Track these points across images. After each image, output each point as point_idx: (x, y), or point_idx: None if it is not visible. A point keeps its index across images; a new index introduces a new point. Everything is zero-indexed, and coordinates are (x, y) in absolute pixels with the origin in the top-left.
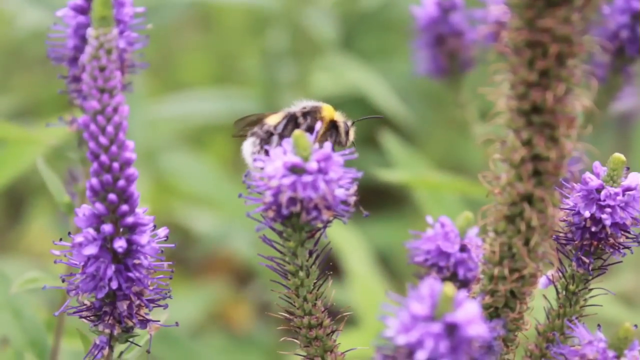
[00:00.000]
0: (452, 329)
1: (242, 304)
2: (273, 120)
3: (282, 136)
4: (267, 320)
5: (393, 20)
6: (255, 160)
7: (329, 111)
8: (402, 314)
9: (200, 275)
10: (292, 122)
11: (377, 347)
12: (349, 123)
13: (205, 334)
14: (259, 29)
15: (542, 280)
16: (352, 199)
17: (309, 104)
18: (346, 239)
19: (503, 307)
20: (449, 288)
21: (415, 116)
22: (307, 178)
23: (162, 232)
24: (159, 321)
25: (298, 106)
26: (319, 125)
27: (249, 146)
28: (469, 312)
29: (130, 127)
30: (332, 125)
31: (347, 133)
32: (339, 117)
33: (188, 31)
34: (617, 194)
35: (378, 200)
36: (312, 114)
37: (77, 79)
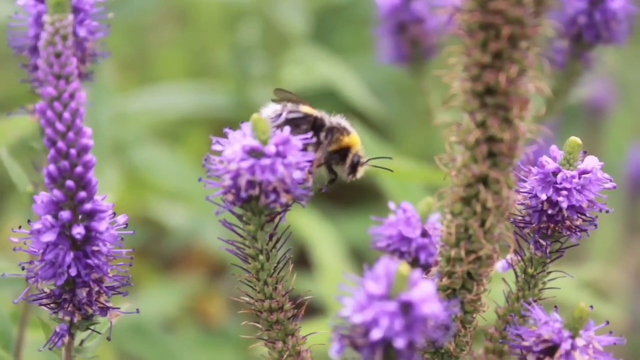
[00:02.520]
0: (407, 308)
1: (216, 297)
2: (304, 108)
3: (327, 132)
4: (241, 314)
5: (369, 14)
6: (213, 143)
7: (352, 139)
8: (358, 294)
9: (176, 269)
10: (319, 124)
11: (334, 326)
12: (362, 160)
13: (179, 328)
14: (233, 24)
15: (501, 263)
16: (310, 183)
17: (344, 123)
18: (319, 233)
19: (460, 288)
20: (404, 267)
21: (391, 111)
22: (265, 161)
23: (122, 219)
24: (119, 308)
25: (337, 119)
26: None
27: (270, 110)
28: (424, 291)
29: (99, 120)
30: (343, 152)
31: (352, 165)
32: (357, 150)
33: (164, 27)
34: (573, 177)
35: (355, 196)
36: (334, 130)
37: (38, 68)
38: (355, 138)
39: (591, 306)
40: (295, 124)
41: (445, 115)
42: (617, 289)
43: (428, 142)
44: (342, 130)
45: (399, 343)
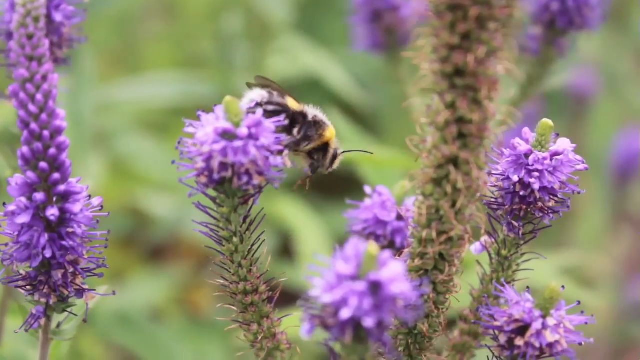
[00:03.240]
0: (376, 287)
1: (204, 288)
2: (290, 102)
3: (301, 126)
4: (227, 304)
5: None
6: (186, 126)
7: (330, 132)
8: (327, 274)
9: (163, 260)
10: (301, 117)
11: (304, 307)
12: (339, 152)
13: (167, 319)
14: (218, 14)
15: (475, 246)
16: (284, 164)
17: (321, 115)
18: (303, 223)
19: (432, 269)
20: (373, 247)
21: (377, 102)
22: (237, 143)
23: (96, 201)
24: (94, 290)
25: (314, 111)
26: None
27: (254, 94)
28: (392, 271)
29: (81, 110)
30: (324, 146)
31: (332, 159)
32: (334, 142)
33: (152, 19)
34: (545, 159)
35: (339, 186)
36: (317, 125)
37: None
38: (332, 130)
39: (563, 286)
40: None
41: (419, 101)
42: (603, 277)
43: (414, 132)
44: (323, 125)
45: (368, 322)
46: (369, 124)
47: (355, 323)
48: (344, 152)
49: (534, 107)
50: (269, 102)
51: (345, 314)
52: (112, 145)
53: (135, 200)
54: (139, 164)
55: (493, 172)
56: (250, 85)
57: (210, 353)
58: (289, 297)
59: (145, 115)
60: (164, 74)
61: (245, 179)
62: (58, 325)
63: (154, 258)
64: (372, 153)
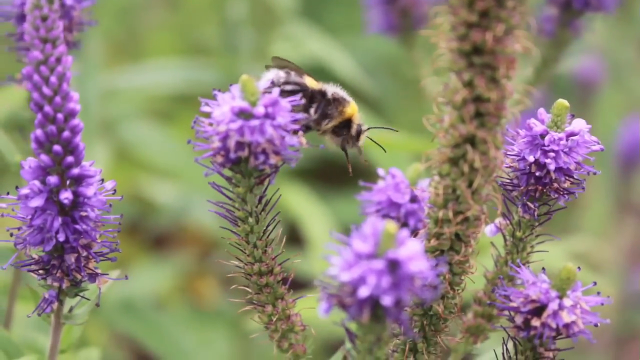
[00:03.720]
0: (394, 266)
1: (209, 276)
2: (308, 81)
3: (318, 104)
4: (233, 293)
5: None
6: (202, 105)
7: (352, 108)
8: (345, 252)
9: (167, 248)
10: (319, 96)
11: (322, 285)
12: (364, 127)
13: (171, 307)
14: (222, 1)
15: (490, 227)
16: (301, 143)
17: (341, 92)
18: (309, 211)
19: (448, 250)
20: (391, 226)
21: (384, 90)
22: (254, 122)
23: (109, 184)
24: (107, 274)
25: (333, 89)
26: (295, 98)
27: (272, 75)
28: (411, 249)
29: (86, 97)
30: (346, 123)
31: (357, 134)
32: (357, 118)
33: (156, 8)
34: (560, 139)
35: (345, 174)
36: (336, 102)
37: (24, 37)
38: (354, 106)
39: (579, 267)
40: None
41: (434, 84)
42: (608, 265)
43: (421, 119)
44: (343, 102)
45: (386, 301)
46: (375, 111)
47: (373, 302)
48: (369, 128)
49: (540, 93)
50: (286, 82)
51: (363, 292)
52: (116, 132)
53: (139, 188)
54: (144, 151)
55: (508, 152)
56: (267, 67)
57: (214, 341)
58: (298, 284)
59: (150, 102)
60: (168, 62)
61: (262, 158)
62: (70, 310)
63: (158, 246)
64: (397, 130)
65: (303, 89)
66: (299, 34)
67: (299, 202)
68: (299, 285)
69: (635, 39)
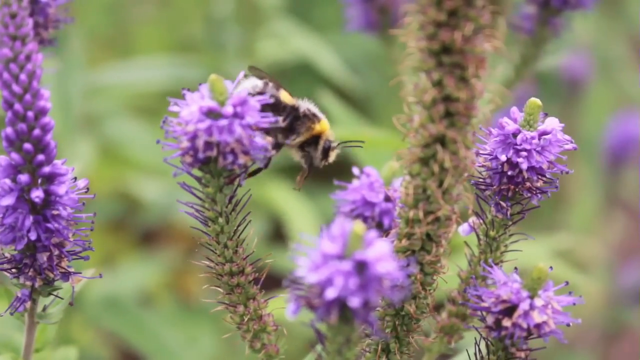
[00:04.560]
0: (362, 267)
1: (195, 273)
2: (283, 95)
3: (285, 115)
4: (218, 289)
5: None
6: (171, 105)
7: (322, 126)
8: (313, 253)
9: (154, 245)
10: (291, 110)
11: (290, 287)
12: (334, 144)
13: (157, 304)
14: None
15: (463, 227)
16: (269, 144)
17: (314, 109)
18: (294, 208)
19: (420, 250)
20: (359, 227)
21: (372, 88)
22: (223, 122)
23: (82, 183)
24: (80, 273)
25: (307, 105)
26: (265, 97)
27: (248, 84)
28: (379, 250)
29: (70, 94)
30: (314, 139)
31: (324, 151)
32: (327, 135)
33: (144, 4)
34: (533, 138)
35: (331, 171)
36: (306, 119)
37: None
38: (325, 124)
39: (551, 267)
40: (271, 110)
41: (410, 80)
42: (596, 262)
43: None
44: (313, 118)
45: (354, 302)
46: (361, 108)
47: (341, 303)
48: (339, 144)
49: (527, 90)
50: (261, 93)
51: (330, 293)
52: (102, 129)
53: (125, 185)
54: (130, 148)
55: (481, 152)
56: (247, 76)
57: (200, 338)
58: (280, 282)
59: (136, 99)
60: (155, 58)
61: (230, 158)
62: (44, 309)
63: (145, 243)
64: (363, 142)
65: (277, 102)
66: (285, 31)
67: (284, 198)
68: (281, 282)
69: (624, 34)
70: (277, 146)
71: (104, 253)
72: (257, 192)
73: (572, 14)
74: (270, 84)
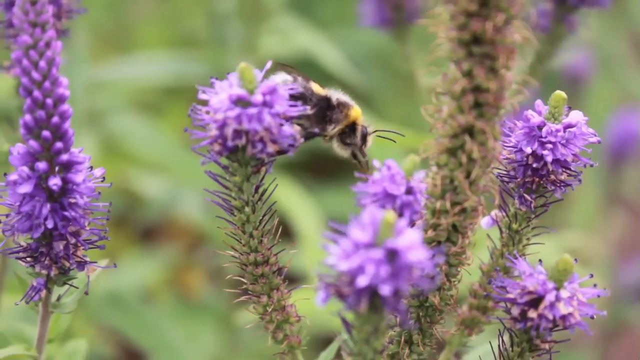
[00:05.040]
0: (393, 255)
1: (196, 270)
2: (314, 87)
3: (314, 105)
4: (220, 287)
5: None
6: (199, 92)
7: (356, 111)
8: (344, 242)
9: (155, 241)
10: (324, 101)
11: (319, 275)
12: (369, 130)
13: (159, 300)
14: None
15: (486, 220)
16: (297, 133)
17: (344, 97)
18: (299, 206)
19: (445, 241)
20: (390, 215)
21: (375, 84)
22: (252, 110)
23: (98, 172)
24: (96, 262)
25: (337, 94)
26: (295, 85)
27: (278, 78)
28: (409, 239)
29: (73, 88)
30: (352, 126)
31: (363, 137)
32: (361, 121)
33: (146, 1)
34: (558, 131)
35: (335, 169)
36: (341, 107)
37: (13, 24)
38: (358, 110)
39: (575, 260)
40: (302, 100)
41: (427, 78)
42: (597, 259)
43: (411, 113)
44: (347, 106)
45: (385, 290)
46: (364, 104)
47: (371, 291)
48: (375, 131)
49: (534, 94)
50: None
51: (362, 281)
52: (104, 124)
53: (127, 181)
54: (132, 143)
55: (506, 144)
56: (275, 70)
57: (201, 334)
58: (288, 278)
59: (138, 95)
60: (157, 54)
61: (259, 146)
62: (58, 299)
63: (146, 239)
64: (404, 135)
65: (307, 93)
66: (288, 27)
67: (289, 195)
68: (290, 279)
69: (626, 32)
70: (313, 136)
71: (106, 249)
72: (269, 185)
73: (588, 12)
74: (300, 78)
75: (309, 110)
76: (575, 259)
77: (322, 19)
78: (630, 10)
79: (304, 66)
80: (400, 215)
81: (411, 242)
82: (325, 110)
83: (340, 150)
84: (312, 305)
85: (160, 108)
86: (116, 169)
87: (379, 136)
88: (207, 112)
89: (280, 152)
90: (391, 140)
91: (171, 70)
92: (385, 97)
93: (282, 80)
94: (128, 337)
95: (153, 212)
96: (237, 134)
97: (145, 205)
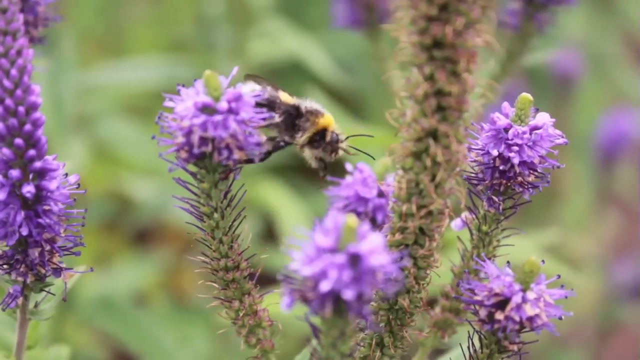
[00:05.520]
0: (355, 260)
1: (188, 272)
2: (282, 95)
3: (282, 112)
4: (210, 288)
5: None
6: (166, 100)
7: (326, 119)
8: (307, 247)
9: (148, 245)
10: (293, 110)
11: (284, 280)
12: (342, 137)
13: (151, 303)
14: None
15: (456, 222)
16: (263, 140)
17: (316, 105)
18: (287, 206)
19: (413, 244)
20: (353, 220)
21: (365, 87)
22: (217, 117)
23: (73, 178)
24: (72, 269)
25: (308, 103)
26: (261, 92)
27: (247, 88)
28: (372, 243)
29: (62, 94)
30: (321, 133)
31: (333, 144)
32: (333, 128)
33: (137, 3)
34: (524, 133)
35: (327, 171)
36: (309, 114)
37: None
38: (329, 118)
39: (543, 261)
40: (270, 108)
41: (399, 79)
42: (589, 259)
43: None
44: (316, 113)
45: (348, 295)
46: (354, 107)
47: (335, 296)
48: (347, 137)
49: (518, 86)
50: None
51: (324, 286)
52: (95, 129)
53: (119, 185)
54: (123, 148)
55: (473, 147)
56: (245, 79)
57: (194, 338)
58: (272, 280)
59: (128, 99)
60: (147, 58)
61: (225, 153)
62: (36, 305)
63: (139, 243)
64: (372, 136)
65: (275, 101)
66: (276, 30)
67: (276, 197)
68: (274, 281)
69: (616, 31)
70: (283, 146)
71: (98, 253)
72: (249, 191)
73: (557, 9)
74: (269, 87)
75: (277, 118)
76: (543, 260)
77: (311, 22)
78: (621, 9)
79: (292, 69)
80: (373, 218)
81: (374, 246)
82: (294, 118)
83: (310, 160)
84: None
85: (151, 112)
86: (107, 174)
87: (364, 135)
88: (174, 120)
89: (248, 160)
90: (368, 136)
91: (161, 75)
92: (376, 99)
93: (250, 89)
94: (120, 341)
95: (144, 216)
96: (203, 141)
97: (136, 209)
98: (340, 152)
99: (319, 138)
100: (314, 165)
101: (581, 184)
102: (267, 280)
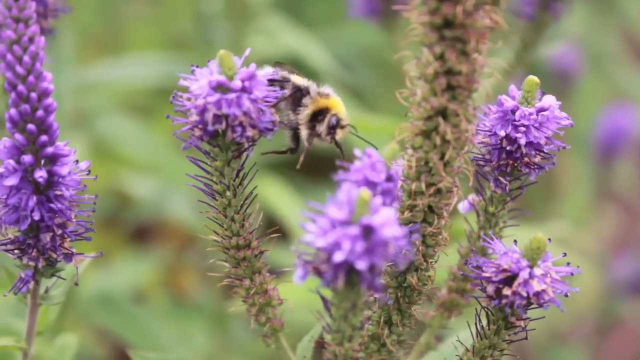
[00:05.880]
0: (368, 231)
1: (189, 270)
2: (295, 77)
3: (290, 89)
4: (211, 287)
5: None
6: (181, 79)
7: (330, 101)
8: (320, 220)
9: (148, 242)
10: (302, 88)
11: (297, 253)
12: (342, 123)
13: (150, 300)
14: None
15: (463, 204)
16: (277, 118)
17: (327, 90)
18: (289, 204)
19: (422, 222)
20: (366, 193)
21: (365, 83)
22: (231, 95)
23: (84, 164)
24: (83, 254)
25: (321, 87)
26: (274, 72)
27: (262, 72)
28: (384, 216)
29: (61, 90)
30: (322, 112)
31: (330, 127)
32: (336, 112)
33: (136, 1)
34: (531, 114)
35: (325, 168)
36: (316, 94)
37: None
38: (336, 101)
39: (549, 239)
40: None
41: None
42: (588, 254)
43: (404, 108)
44: (322, 94)
45: (361, 265)
46: (355, 101)
47: (347, 267)
48: (347, 125)
49: (519, 83)
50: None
51: (338, 257)
52: (94, 126)
53: (118, 182)
54: (122, 145)
55: (480, 128)
56: (273, 66)
57: (194, 335)
58: (276, 275)
59: (128, 96)
60: (146, 55)
61: (239, 131)
62: (46, 291)
63: (138, 240)
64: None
65: (287, 81)
66: (275, 27)
67: (278, 194)
68: (278, 275)
69: (616, 28)
70: (290, 125)
71: (97, 250)
72: (247, 189)
73: None
74: (283, 71)
75: (287, 94)
76: (549, 239)
77: (310, 19)
78: (621, 6)
79: (291, 66)
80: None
81: (386, 218)
82: (302, 96)
83: (304, 140)
84: (295, 290)
85: (150, 109)
86: (106, 171)
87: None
88: (188, 99)
89: (260, 135)
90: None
91: (160, 72)
92: (377, 95)
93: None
94: (120, 338)
95: (143, 213)
96: (217, 118)
97: (135, 206)
98: (337, 137)
99: (320, 120)
100: (306, 145)
101: (580, 180)
102: (273, 272)
